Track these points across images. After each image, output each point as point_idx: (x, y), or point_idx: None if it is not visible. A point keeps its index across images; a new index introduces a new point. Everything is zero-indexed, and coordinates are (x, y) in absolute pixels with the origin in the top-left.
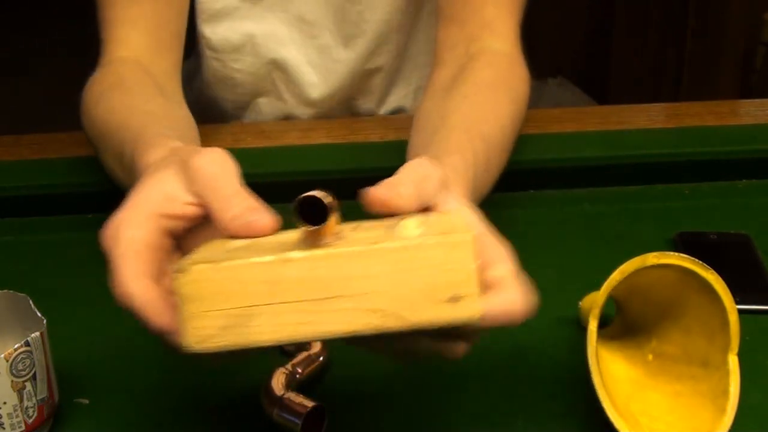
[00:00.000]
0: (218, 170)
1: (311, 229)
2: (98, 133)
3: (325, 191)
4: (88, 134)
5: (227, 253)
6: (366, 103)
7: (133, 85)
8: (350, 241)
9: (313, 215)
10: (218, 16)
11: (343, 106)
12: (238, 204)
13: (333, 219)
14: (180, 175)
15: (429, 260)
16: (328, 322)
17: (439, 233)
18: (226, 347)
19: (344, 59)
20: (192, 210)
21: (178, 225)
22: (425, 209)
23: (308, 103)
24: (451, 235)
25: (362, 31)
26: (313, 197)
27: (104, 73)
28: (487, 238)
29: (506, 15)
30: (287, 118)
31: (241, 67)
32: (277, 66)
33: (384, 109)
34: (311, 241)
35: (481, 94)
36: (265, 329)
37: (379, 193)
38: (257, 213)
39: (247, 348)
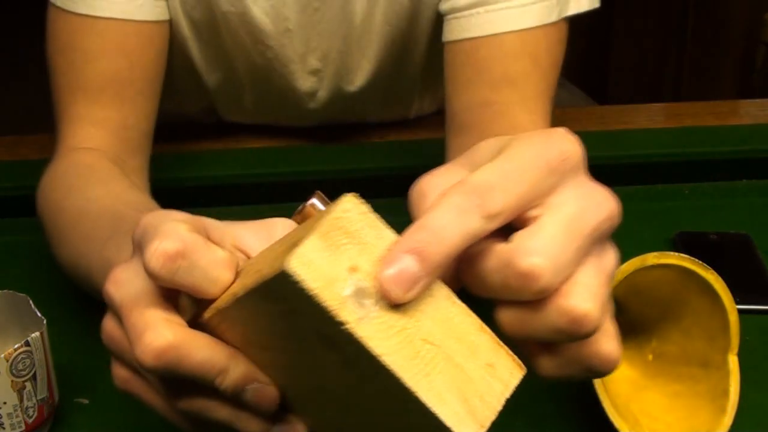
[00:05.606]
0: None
1: None
2: (68, 221)
3: None
4: (48, 224)
5: None
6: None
7: (106, 176)
8: None
9: None
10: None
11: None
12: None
13: None
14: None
15: None
16: None
17: None
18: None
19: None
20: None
21: None
22: None
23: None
24: None
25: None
26: None
27: (68, 164)
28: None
29: (539, 119)
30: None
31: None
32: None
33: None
34: None
35: None
36: None
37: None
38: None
39: None
